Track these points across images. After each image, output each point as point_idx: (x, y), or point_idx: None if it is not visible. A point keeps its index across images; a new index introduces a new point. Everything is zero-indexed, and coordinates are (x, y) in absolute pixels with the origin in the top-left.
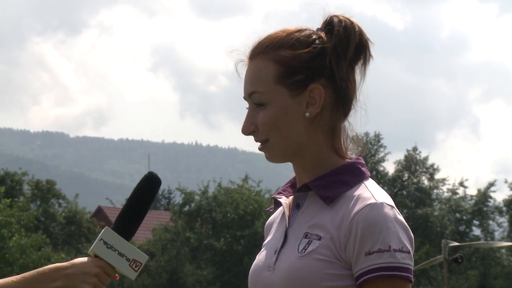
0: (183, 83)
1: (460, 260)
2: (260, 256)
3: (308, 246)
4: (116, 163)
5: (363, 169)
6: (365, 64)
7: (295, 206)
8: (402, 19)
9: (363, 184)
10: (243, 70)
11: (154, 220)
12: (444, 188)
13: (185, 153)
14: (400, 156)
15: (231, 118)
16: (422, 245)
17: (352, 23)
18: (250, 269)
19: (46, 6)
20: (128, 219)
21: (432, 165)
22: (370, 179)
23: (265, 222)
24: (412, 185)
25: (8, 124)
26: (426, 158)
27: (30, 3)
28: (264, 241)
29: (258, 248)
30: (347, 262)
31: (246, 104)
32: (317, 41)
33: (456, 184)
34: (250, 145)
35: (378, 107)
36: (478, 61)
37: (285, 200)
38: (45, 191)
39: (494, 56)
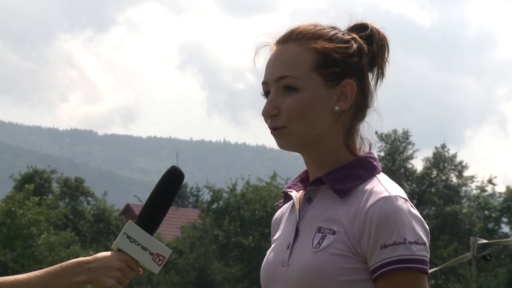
0: (211, 80)
1: (489, 258)
2: (272, 252)
3: (322, 241)
4: (144, 161)
5: (375, 163)
6: (380, 78)
7: (306, 200)
8: (430, 16)
9: (375, 177)
10: (262, 56)
11: (182, 218)
12: (473, 185)
13: (213, 150)
14: (429, 153)
15: (258, 116)
16: (450, 243)
17: (386, 37)
18: (262, 265)
19: (73, 4)
20: (151, 213)
21: (460, 163)
22: (382, 173)
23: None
24: (441, 182)
25: (37, 122)
26: (454, 155)
27: (57, 0)
28: (272, 236)
29: None
30: (363, 256)
31: None
32: (352, 41)
33: (485, 181)
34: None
35: (407, 104)
36: (506, 58)
37: (295, 194)
38: (74, 189)
39: None
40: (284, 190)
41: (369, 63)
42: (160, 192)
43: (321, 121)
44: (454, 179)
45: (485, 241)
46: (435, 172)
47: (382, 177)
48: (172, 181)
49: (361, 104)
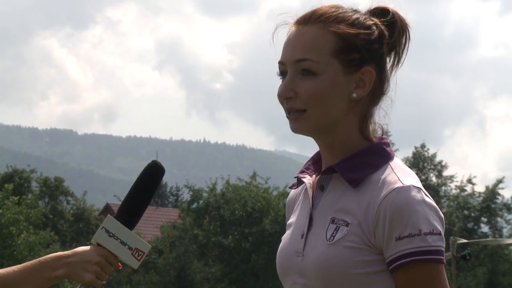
0: (189, 80)
1: (468, 257)
2: (287, 240)
3: (336, 233)
4: (124, 160)
5: (388, 149)
6: (396, 65)
7: (319, 187)
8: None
9: (388, 165)
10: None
11: (162, 217)
12: (452, 185)
13: (193, 150)
14: (408, 153)
15: (237, 115)
16: None
17: (408, 25)
18: (278, 253)
19: (51, 1)
20: (131, 208)
21: (440, 162)
22: (395, 158)
23: (273, 219)
24: (420, 182)
25: (16, 121)
26: (434, 155)
27: None
28: (287, 219)
29: (266, 245)
30: (377, 247)
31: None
32: (373, 27)
33: (464, 181)
34: (258, 142)
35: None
36: (483, 57)
37: (308, 180)
38: (53, 189)
39: (499, 53)
40: (296, 175)
41: (390, 50)
42: (140, 187)
43: (338, 108)
44: (434, 179)
45: (464, 240)
46: (414, 172)
47: (395, 164)
48: (152, 176)
49: (377, 91)
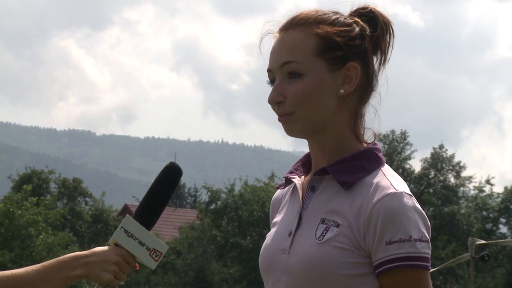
0: (206, 81)
1: (487, 258)
2: (272, 237)
3: (326, 233)
4: (142, 161)
5: (380, 154)
6: (383, 62)
7: (310, 188)
8: (423, 18)
9: (380, 170)
10: (266, 43)
11: (181, 218)
12: (471, 186)
13: (211, 151)
14: (426, 153)
15: (254, 116)
16: (448, 243)
17: (390, 21)
18: (262, 250)
19: (68, 2)
20: (149, 208)
21: (458, 163)
22: (386, 164)
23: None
24: (439, 183)
25: (34, 122)
26: (452, 156)
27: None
28: (271, 218)
29: None
30: (366, 250)
31: (268, 94)
32: (354, 24)
33: (483, 181)
34: (276, 143)
35: (404, 104)
36: (500, 58)
37: (298, 181)
38: (72, 190)
39: None
40: (285, 175)
41: (373, 47)
42: (158, 188)
43: (327, 105)
44: (452, 180)
45: (483, 241)
46: (433, 173)
47: (386, 170)
48: (170, 177)
49: (365, 87)
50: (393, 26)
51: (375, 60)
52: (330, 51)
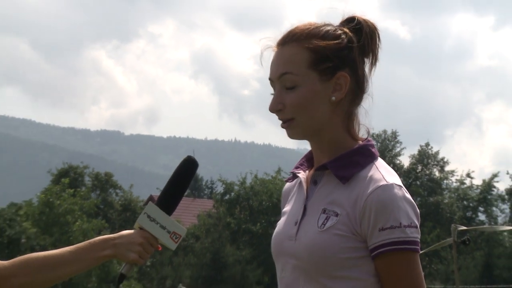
0: (220, 87)
1: (467, 242)
2: (281, 225)
3: (327, 222)
4: (165, 158)
5: (373, 150)
6: (374, 63)
7: (313, 182)
8: (410, 31)
9: (374, 164)
10: (268, 56)
11: (199, 207)
12: (453, 179)
13: (225, 149)
14: (414, 150)
15: (263, 118)
16: (433, 229)
17: (376, 27)
18: (273, 236)
19: (99, 17)
20: (169, 196)
21: (442, 159)
22: (379, 158)
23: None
24: (425, 176)
25: (70, 124)
26: (437, 153)
27: (85, 14)
28: (282, 208)
29: None
30: (362, 236)
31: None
32: (343, 36)
33: (464, 175)
34: (283, 141)
35: (394, 107)
36: (480, 67)
37: (303, 175)
38: (104, 182)
39: (494, 62)
40: (292, 171)
41: (361, 52)
42: (177, 178)
43: (321, 112)
44: (437, 173)
45: (464, 227)
46: (420, 167)
47: (379, 163)
48: (187, 168)
49: (356, 90)
50: (378, 31)
51: (367, 62)
52: (321, 63)
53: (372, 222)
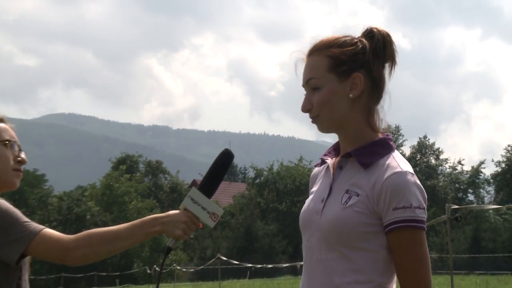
0: (251, 89)
1: (459, 219)
2: (309, 202)
3: (349, 200)
4: (206, 148)
5: (391, 143)
6: (393, 66)
7: (339, 167)
8: (410, 42)
9: (391, 155)
10: (300, 67)
11: (234, 190)
12: (446, 165)
13: (256, 141)
14: (414, 142)
15: (287, 115)
16: (430, 208)
17: (389, 34)
18: (301, 212)
19: (151, 30)
20: (210, 182)
21: (437, 149)
22: (396, 151)
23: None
24: (423, 163)
25: (127, 120)
26: (433, 144)
27: (139, 27)
28: (310, 188)
29: None
30: (378, 214)
31: (297, 99)
32: (358, 43)
33: (455, 162)
34: (304, 134)
35: (397, 106)
36: (469, 72)
37: (330, 161)
38: (155, 169)
39: (481, 68)
40: (321, 157)
41: (375, 55)
42: (217, 167)
43: (341, 108)
44: (433, 161)
45: (456, 206)
46: (418, 156)
47: (396, 154)
48: (225, 159)
49: (372, 89)
50: (390, 37)
51: (387, 66)
52: (338, 67)
53: (387, 203)
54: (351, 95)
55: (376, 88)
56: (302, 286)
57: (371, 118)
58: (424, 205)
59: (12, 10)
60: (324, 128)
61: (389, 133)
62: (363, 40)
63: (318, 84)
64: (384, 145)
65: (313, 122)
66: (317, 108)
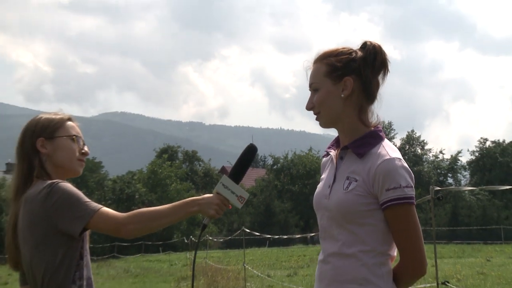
0: (270, 92)
1: (441, 198)
2: (320, 188)
3: (349, 185)
4: (233, 141)
5: (381, 133)
6: (384, 73)
7: (340, 157)
8: (400, 53)
9: (381, 144)
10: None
11: (256, 174)
12: (430, 154)
13: (274, 135)
14: (403, 135)
15: (300, 113)
16: (416, 189)
17: (380, 46)
18: (314, 195)
19: (188, 42)
20: (237, 171)
21: (423, 141)
22: (386, 139)
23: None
24: (411, 152)
25: (169, 117)
26: (419, 137)
27: (178, 40)
28: (320, 175)
29: None
30: (374, 195)
31: (307, 100)
32: (352, 53)
33: (437, 152)
34: (313, 129)
35: (390, 105)
36: (447, 77)
37: (333, 153)
38: (191, 157)
39: (458, 74)
40: (326, 150)
41: (364, 63)
42: (243, 158)
43: (336, 106)
44: (419, 151)
45: (438, 188)
46: (407, 147)
47: (386, 143)
48: (250, 152)
49: (363, 90)
50: (380, 48)
51: (381, 73)
52: (333, 72)
53: (381, 185)
54: (342, 95)
55: (366, 90)
56: (320, 255)
57: (363, 114)
58: (412, 183)
59: (74, 27)
60: (324, 123)
61: (379, 125)
62: (357, 50)
63: (318, 87)
64: (374, 136)
65: (316, 119)
66: (317, 107)
